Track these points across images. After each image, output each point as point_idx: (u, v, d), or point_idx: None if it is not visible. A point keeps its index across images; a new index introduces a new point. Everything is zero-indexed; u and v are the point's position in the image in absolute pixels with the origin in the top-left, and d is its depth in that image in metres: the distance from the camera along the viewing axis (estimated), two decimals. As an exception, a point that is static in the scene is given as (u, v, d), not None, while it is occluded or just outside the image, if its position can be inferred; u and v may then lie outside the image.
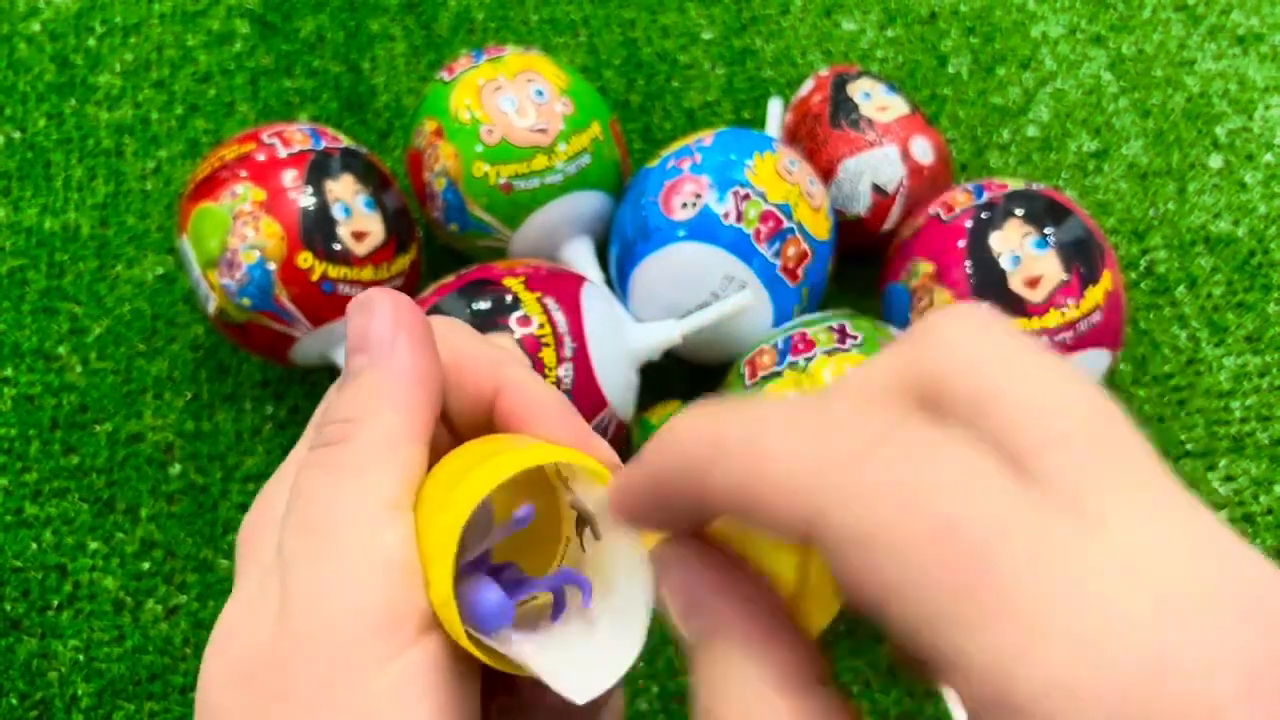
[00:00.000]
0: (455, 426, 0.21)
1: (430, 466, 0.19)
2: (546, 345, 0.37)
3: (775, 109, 0.51)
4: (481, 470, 0.18)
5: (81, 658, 0.41)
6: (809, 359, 0.37)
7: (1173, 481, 0.14)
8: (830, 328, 0.38)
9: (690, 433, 0.16)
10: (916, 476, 0.13)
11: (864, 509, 0.13)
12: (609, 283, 0.44)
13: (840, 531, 0.14)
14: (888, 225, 0.45)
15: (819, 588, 0.17)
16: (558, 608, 0.19)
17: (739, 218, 0.40)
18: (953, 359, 0.15)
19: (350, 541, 0.18)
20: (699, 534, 0.17)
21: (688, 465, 0.16)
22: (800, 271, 0.41)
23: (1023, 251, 0.39)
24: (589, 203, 0.44)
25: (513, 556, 0.20)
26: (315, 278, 0.40)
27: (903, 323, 0.42)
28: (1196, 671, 0.12)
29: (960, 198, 0.42)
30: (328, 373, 0.46)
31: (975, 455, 0.14)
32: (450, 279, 0.40)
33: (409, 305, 0.20)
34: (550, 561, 0.20)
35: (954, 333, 0.15)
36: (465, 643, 0.17)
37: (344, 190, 0.41)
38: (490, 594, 0.18)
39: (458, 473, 0.19)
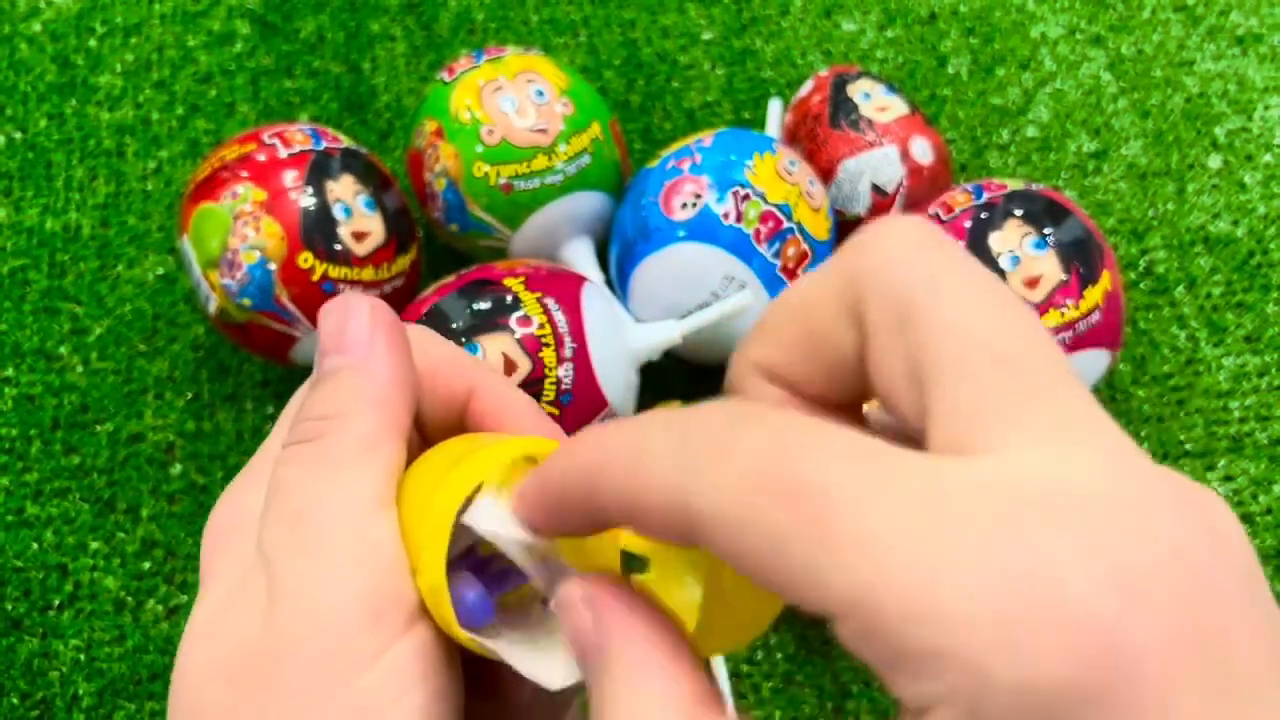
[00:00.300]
0: (426, 430, 0.21)
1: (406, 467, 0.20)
2: (546, 345, 0.37)
3: (775, 109, 0.51)
4: (472, 460, 0.18)
5: (82, 657, 0.41)
6: (809, 359, 0.37)
7: (1082, 405, 0.14)
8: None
9: (583, 444, 0.16)
10: (767, 449, 0.14)
11: (721, 491, 0.14)
12: (609, 283, 0.45)
13: (710, 519, 0.14)
14: (887, 225, 0.45)
15: (737, 603, 0.17)
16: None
17: (739, 218, 0.40)
18: (877, 273, 0.15)
19: (336, 536, 0.18)
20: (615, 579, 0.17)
21: (579, 476, 0.16)
22: (800, 272, 0.41)
23: (1022, 252, 0.39)
24: (589, 203, 0.44)
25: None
26: (316, 278, 0.40)
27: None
28: (1053, 577, 0.12)
29: (960, 198, 0.42)
30: (328, 373, 0.46)
31: (819, 423, 0.14)
32: (450, 279, 0.40)
33: (385, 309, 0.20)
34: None
35: (884, 245, 0.15)
36: (456, 631, 0.17)
37: (344, 190, 0.41)
38: (470, 591, 0.18)
39: (442, 467, 0.19)
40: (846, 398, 0.17)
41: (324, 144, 0.42)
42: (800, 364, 0.17)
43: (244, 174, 0.40)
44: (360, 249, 0.40)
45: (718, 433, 0.14)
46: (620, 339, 0.40)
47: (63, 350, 0.47)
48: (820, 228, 0.42)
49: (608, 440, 0.16)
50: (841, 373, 0.16)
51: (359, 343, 0.20)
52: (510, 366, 0.37)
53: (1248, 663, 0.13)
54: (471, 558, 0.19)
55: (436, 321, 0.38)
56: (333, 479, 0.18)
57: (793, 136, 0.47)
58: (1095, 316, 0.39)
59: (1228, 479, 0.45)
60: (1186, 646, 0.12)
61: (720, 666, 0.40)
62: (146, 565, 0.43)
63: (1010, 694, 0.12)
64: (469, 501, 0.18)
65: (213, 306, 0.41)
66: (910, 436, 0.15)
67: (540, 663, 0.18)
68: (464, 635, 0.17)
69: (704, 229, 0.40)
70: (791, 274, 0.41)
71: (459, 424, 0.22)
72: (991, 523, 0.13)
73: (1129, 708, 0.12)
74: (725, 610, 0.17)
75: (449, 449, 0.20)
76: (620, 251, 0.43)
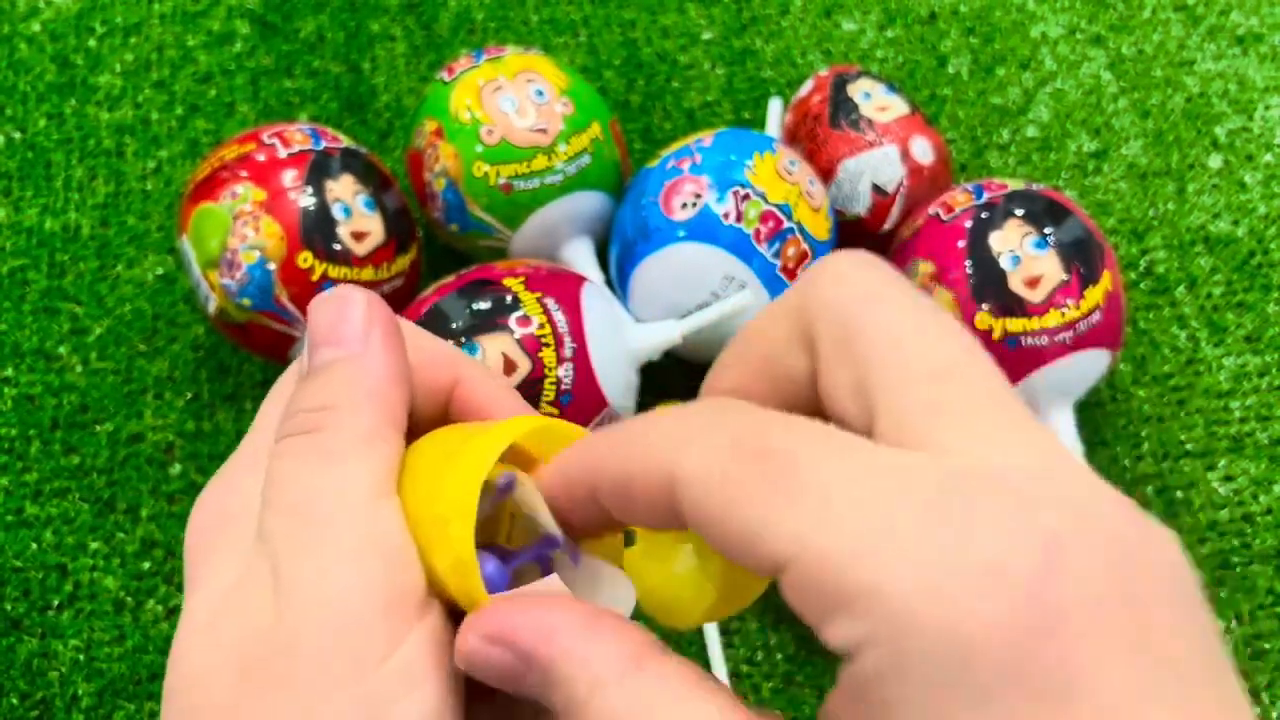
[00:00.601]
0: (411, 421, 0.21)
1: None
2: (546, 345, 0.37)
3: (775, 109, 0.51)
4: (484, 437, 0.18)
5: (82, 657, 0.41)
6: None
7: (1019, 413, 0.15)
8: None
9: (595, 437, 0.18)
10: (743, 423, 0.16)
11: (701, 455, 0.15)
12: (609, 283, 0.45)
13: (687, 483, 0.15)
14: (888, 225, 0.45)
15: (718, 575, 0.19)
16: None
17: (739, 218, 0.40)
18: (823, 301, 0.17)
19: (342, 528, 0.18)
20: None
21: (586, 465, 0.17)
22: (800, 271, 0.41)
23: (1022, 251, 0.39)
24: (589, 203, 0.44)
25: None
26: (315, 278, 0.40)
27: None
28: (984, 536, 0.13)
29: (960, 198, 0.42)
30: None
31: (794, 415, 0.16)
32: (450, 279, 0.40)
33: (380, 302, 0.20)
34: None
35: (828, 274, 0.17)
36: (483, 599, 0.17)
37: (344, 190, 0.41)
38: (488, 563, 0.18)
39: (443, 452, 0.19)
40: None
41: (323, 144, 0.42)
42: (761, 390, 0.18)
43: (243, 174, 0.40)
44: (360, 249, 0.40)
45: (705, 415, 0.16)
46: (620, 339, 0.40)
47: (62, 350, 0.47)
48: (820, 228, 0.42)
49: (610, 431, 0.17)
50: (797, 396, 0.17)
51: (354, 335, 0.19)
52: (510, 366, 0.37)
53: (1171, 643, 0.13)
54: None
55: (436, 321, 0.38)
56: (332, 471, 0.18)
57: (793, 136, 0.47)
58: (1096, 316, 0.39)
59: (1228, 479, 0.45)
60: (1110, 615, 0.13)
61: (720, 665, 0.40)
62: (146, 565, 0.43)
63: (933, 636, 0.13)
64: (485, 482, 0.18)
65: (212, 306, 0.41)
66: None
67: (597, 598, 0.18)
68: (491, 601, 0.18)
69: (704, 229, 0.40)
70: (791, 274, 0.41)
71: (444, 416, 0.22)
72: (934, 490, 0.14)
73: (1048, 660, 0.12)
74: (707, 581, 0.19)
75: (443, 437, 0.20)
76: (620, 251, 0.43)
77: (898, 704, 0.13)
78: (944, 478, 0.14)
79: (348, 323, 0.20)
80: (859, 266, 0.17)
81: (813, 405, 0.17)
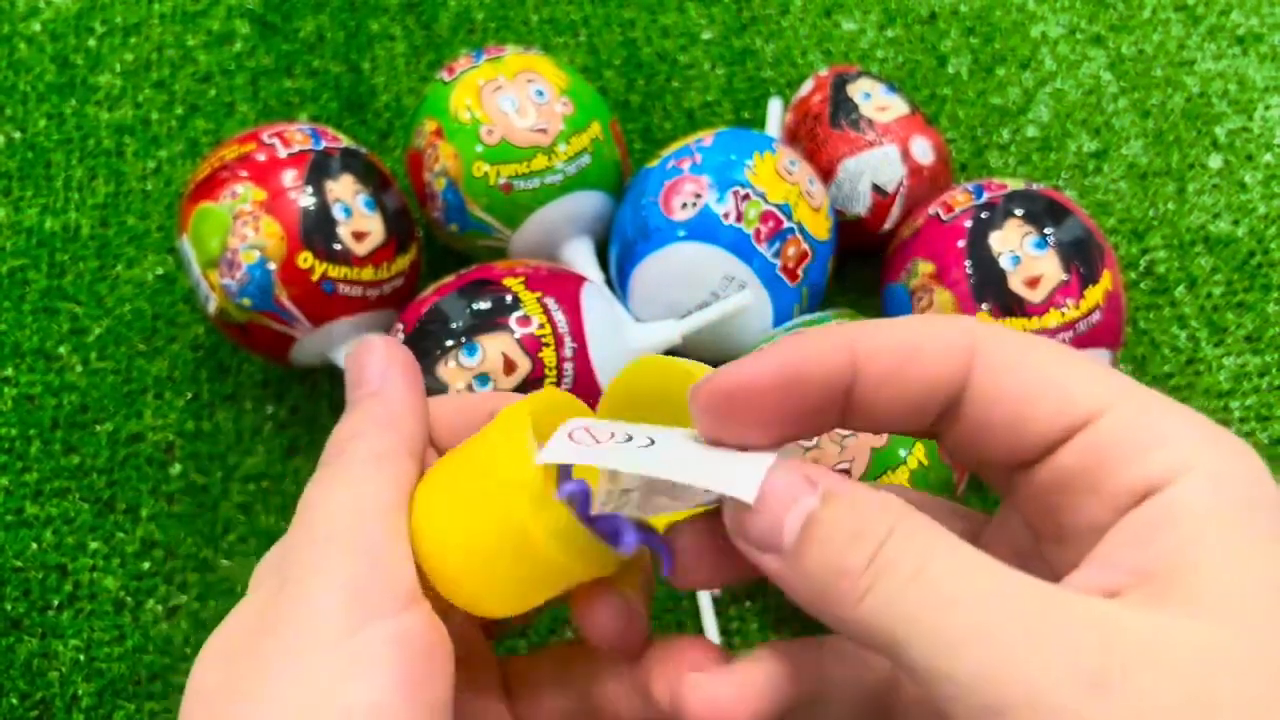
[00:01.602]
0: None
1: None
2: (546, 345, 0.37)
3: (775, 109, 0.51)
4: (515, 405, 0.20)
5: (82, 657, 0.41)
6: (809, 359, 0.37)
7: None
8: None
9: (830, 326, 0.18)
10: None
11: (1001, 329, 0.18)
12: (609, 283, 0.45)
13: (996, 338, 0.17)
14: (887, 225, 0.45)
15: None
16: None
17: (739, 218, 0.40)
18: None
19: (336, 532, 0.19)
20: None
21: (836, 341, 0.18)
22: (800, 271, 0.41)
23: (1022, 251, 0.39)
24: (589, 203, 0.44)
25: None
26: (315, 278, 0.40)
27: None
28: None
29: (960, 198, 0.42)
30: (327, 373, 0.46)
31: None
32: (450, 279, 0.40)
33: (398, 346, 0.23)
34: None
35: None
36: (549, 487, 0.19)
37: (344, 190, 0.41)
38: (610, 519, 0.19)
39: (466, 448, 0.21)
40: (905, 415, 0.19)
41: (323, 144, 0.42)
42: (899, 362, 0.18)
43: (243, 174, 0.40)
44: (360, 249, 0.40)
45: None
46: (620, 339, 0.40)
47: (62, 350, 0.47)
48: (820, 227, 0.42)
49: (863, 322, 0.18)
50: (933, 389, 0.18)
51: (374, 375, 0.22)
52: (510, 366, 0.37)
53: None
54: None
55: (436, 321, 0.38)
56: (341, 490, 0.20)
57: (793, 136, 0.47)
58: (1096, 316, 0.39)
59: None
60: None
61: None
62: (146, 565, 0.43)
63: (1238, 469, 0.16)
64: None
65: (212, 306, 0.41)
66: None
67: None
68: (561, 500, 0.19)
69: (704, 229, 0.40)
70: (791, 274, 0.41)
71: None
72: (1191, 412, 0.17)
73: None
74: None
75: (459, 447, 0.21)
76: (620, 251, 0.43)
77: (1208, 519, 0.15)
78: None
79: (369, 366, 0.22)
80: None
81: (931, 409, 0.19)
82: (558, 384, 0.37)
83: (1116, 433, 0.16)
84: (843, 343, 0.18)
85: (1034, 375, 0.17)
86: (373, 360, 0.22)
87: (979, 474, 0.20)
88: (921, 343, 0.18)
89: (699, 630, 0.41)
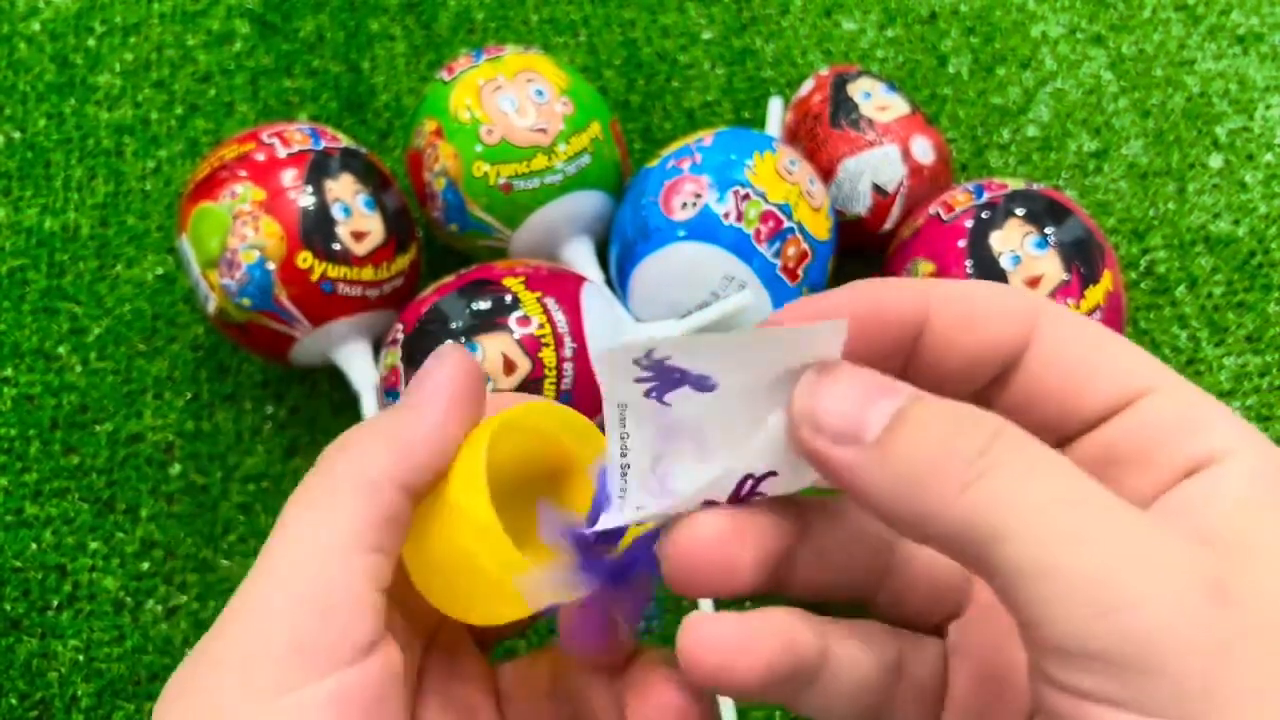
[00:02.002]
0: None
1: None
2: (546, 345, 0.37)
3: (775, 109, 0.51)
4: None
5: (81, 658, 0.41)
6: (809, 359, 0.37)
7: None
8: (830, 328, 0.38)
9: (898, 279, 0.19)
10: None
11: (1061, 307, 0.18)
12: (609, 283, 0.44)
13: (1057, 310, 0.18)
14: (888, 225, 0.45)
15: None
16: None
17: (739, 218, 0.40)
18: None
19: (288, 577, 0.18)
20: None
21: (914, 287, 0.18)
22: (800, 271, 0.41)
23: (1023, 251, 0.39)
24: (589, 203, 0.44)
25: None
26: (315, 278, 0.40)
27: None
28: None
29: (960, 198, 0.42)
30: (327, 373, 0.46)
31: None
32: (450, 279, 0.40)
33: (471, 365, 0.20)
34: None
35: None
36: (513, 553, 0.18)
37: (344, 190, 0.41)
38: (565, 529, 0.19)
39: (439, 487, 0.19)
40: (958, 377, 0.19)
41: (323, 143, 0.42)
42: (961, 324, 0.19)
43: (243, 174, 0.40)
44: (359, 248, 0.40)
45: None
46: (620, 339, 0.40)
47: (62, 350, 0.47)
48: (820, 227, 0.42)
49: (931, 280, 0.20)
50: (991, 353, 0.19)
51: (427, 390, 0.20)
52: (510, 366, 0.37)
53: None
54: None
55: (436, 321, 0.38)
56: (316, 515, 0.18)
57: (793, 136, 0.47)
58: (1096, 316, 0.39)
59: (1229, 479, 0.45)
60: None
61: None
62: (145, 566, 0.43)
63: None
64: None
65: (212, 306, 0.41)
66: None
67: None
68: (520, 558, 0.18)
69: (704, 229, 0.40)
70: (792, 274, 0.41)
71: None
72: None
73: None
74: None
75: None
76: (620, 251, 0.43)
77: (1251, 498, 0.16)
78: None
79: (428, 378, 0.20)
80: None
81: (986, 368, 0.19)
82: (557, 384, 0.37)
83: (1166, 412, 0.17)
84: (920, 289, 0.18)
85: (1091, 350, 0.18)
86: (434, 375, 0.20)
87: None
88: (990, 303, 0.18)
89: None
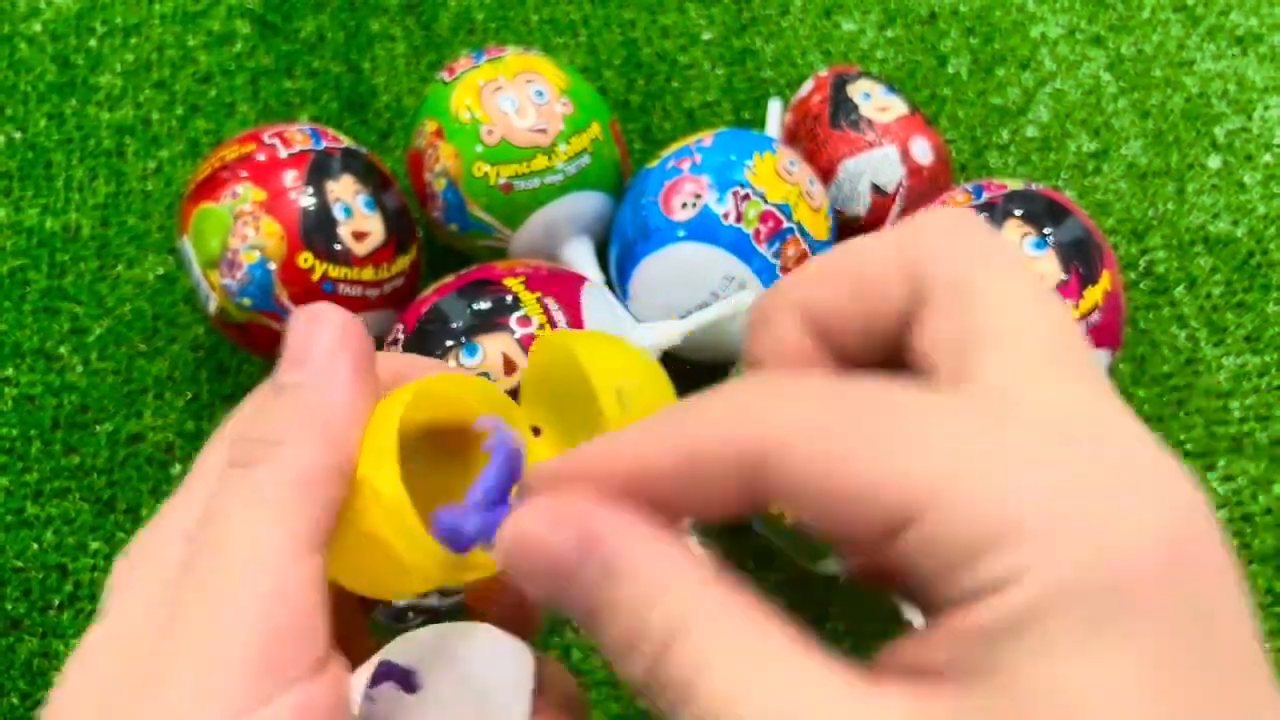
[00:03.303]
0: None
1: None
2: (546, 345, 0.37)
3: (775, 109, 0.51)
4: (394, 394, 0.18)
5: (82, 657, 0.41)
6: (809, 359, 0.37)
7: (1096, 383, 0.15)
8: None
9: (632, 429, 0.16)
10: (827, 384, 0.16)
11: (795, 413, 0.15)
12: (609, 283, 0.45)
13: (784, 439, 0.15)
14: (888, 225, 0.45)
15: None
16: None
17: (739, 218, 0.40)
18: (937, 251, 0.17)
19: (250, 580, 0.17)
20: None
21: (633, 454, 0.16)
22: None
23: (1022, 251, 0.39)
24: (589, 203, 0.44)
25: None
26: (316, 278, 0.40)
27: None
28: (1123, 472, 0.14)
29: (959, 198, 0.42)
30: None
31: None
32: (450, 279, 0.40)
33: (358, 328, 0.19)
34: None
35: (944, 228, 0.17)
36: (419, 539, 0.17)
37: (344, 190, 0.41)
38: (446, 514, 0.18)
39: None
40: (869, 353, 0.18)
41: (324, 144, 0.42)
42: (845, 305, 0.17)
43: (244, 174, 0.40)
44: (360, 249, 0.40)
45: (776, 384, 0.16)
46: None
47: (62, 350, 0.47)
48: (820, 228, 0.42)
49: (652, 421, 0.16)
50: (882, 324, 0.17)
51: (318, 357, 0.18)
52: (510, 366, 0.37)
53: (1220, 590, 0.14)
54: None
55: (436, 321, 0.38)
56: (263, 515, 0.17)
57: (793, 136, 0.47)
58: (1095, 316, 0.39)
59: (1228, 479, 0.45)
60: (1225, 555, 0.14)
61: None
62: (146, 565, 0.43)
63: (1089, 565, 0.13)
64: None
65: (212, 306, 0.41)
66: None
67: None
68: (432, 542, 0.18)
69: (704, 229, 0.40)
70: (791, 274, 0.41)
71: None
72: (1057, 438, 0.14)
73: (1189, 591, 0.13)
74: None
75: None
76: (620, 251, 0.43)
77: (1057, 632, 0.13)
78: (1064, 423, 0.14)
79: (315, 343, 0.18)
80: (974, 225, 0.17)
81: (888, 337, 0.17)
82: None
83: (934, 541, 0.14)
84: (637, 461, 0.16)
85: (849, 482, 0.14)
86: (320, 337, 0.18)
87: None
88: (702, 455, 0.15)
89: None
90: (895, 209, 0.45)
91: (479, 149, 0.42)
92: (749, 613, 0.15)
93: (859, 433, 0.14)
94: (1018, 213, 0.40)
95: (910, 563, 0.14)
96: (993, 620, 0.13)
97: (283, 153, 0.41)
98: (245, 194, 0.40)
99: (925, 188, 0.45)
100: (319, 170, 0.41)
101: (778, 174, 0.41)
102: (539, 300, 0.38)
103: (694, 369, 0.45)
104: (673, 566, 0.15)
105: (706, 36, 0.55)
